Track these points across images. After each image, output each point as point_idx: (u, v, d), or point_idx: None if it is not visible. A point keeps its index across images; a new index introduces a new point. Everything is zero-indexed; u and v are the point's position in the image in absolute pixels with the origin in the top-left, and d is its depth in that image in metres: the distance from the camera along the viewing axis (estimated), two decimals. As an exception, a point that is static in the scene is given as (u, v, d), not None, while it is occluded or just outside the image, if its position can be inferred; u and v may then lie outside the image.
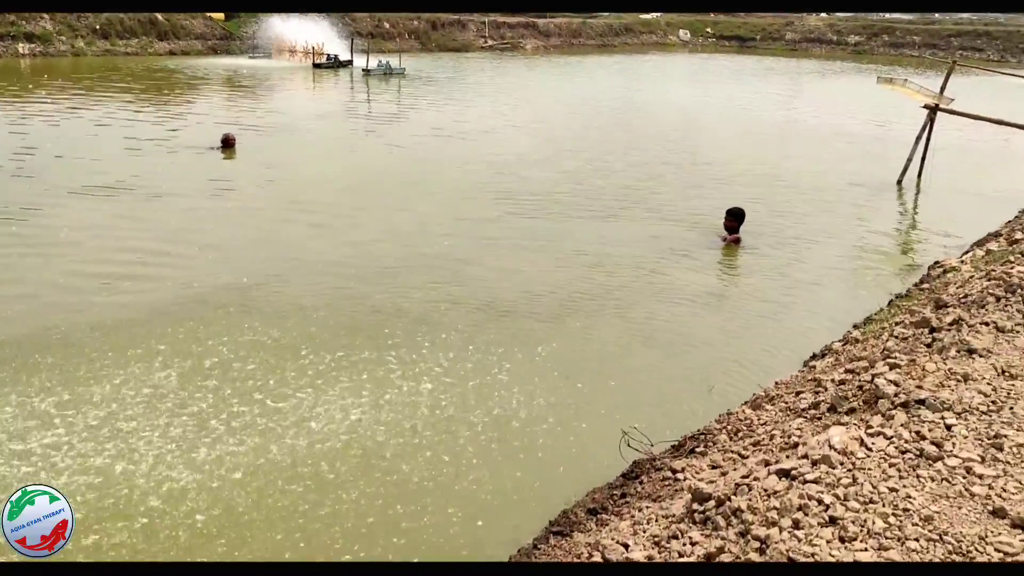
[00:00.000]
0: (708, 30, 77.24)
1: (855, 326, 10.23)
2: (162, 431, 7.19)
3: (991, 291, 7.63)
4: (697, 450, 6.53)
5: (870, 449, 4.57)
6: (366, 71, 36.75)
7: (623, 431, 6.95)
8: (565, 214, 15.43)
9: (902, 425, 4.85)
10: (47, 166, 17.41)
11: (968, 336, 6.26)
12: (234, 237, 13.27)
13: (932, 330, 7.29)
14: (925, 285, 10.90)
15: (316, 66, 38.36)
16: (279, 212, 14.89)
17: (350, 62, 39.07)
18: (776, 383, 7.87)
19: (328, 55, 39.39)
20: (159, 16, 40.16)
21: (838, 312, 11.13)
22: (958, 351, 6.05)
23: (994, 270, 8.77)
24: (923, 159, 19.09)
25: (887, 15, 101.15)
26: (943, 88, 19.03)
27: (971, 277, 9.14)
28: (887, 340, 7.65)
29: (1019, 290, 7.52)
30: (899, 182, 19.06)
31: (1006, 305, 7.31)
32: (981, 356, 5.95)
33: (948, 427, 4.74)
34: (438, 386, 8.33)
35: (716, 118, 29.70)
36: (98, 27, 38.42)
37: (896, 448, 4.54)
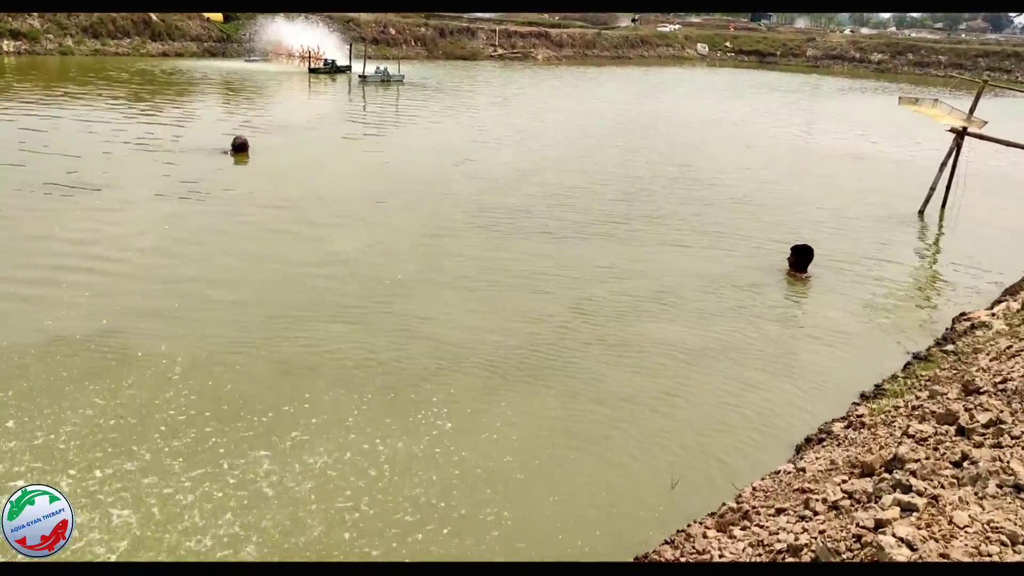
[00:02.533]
0: (727, 44, 75.38)
1: (863, 396, 8.44)
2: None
3: (1038, 378, 5.84)
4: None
5: None
6: (363, 77, 35.25)
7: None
8: (557, 233, 13.71)
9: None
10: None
11: (1012, 461, 4.47)
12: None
13: (961, 431, 5.51)
14: (949, 347, 9.05)
15: (312, 71, 36.93)
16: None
17: (348, 67, 37.60)
18: (753, 489, 6.08)
19: (325, 60, 37.94)
20: (153, 16, 38.88)
21: (845, 369, 9.33)
22: (1000, 486, 4.26)
23: (1039, 342, 6.97)
24: (948, 188, 17.23)
25: (912, 34, 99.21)
26: (972, 109, 17.15)
27: (1008, 347, 7.33)
28: (900, 437, 5.86)
29: (1076, 379, 5.73)
30: (921, 212, 17.20)
31: (1059, 400, 5.52)
32: (1032, 496, 4.17)
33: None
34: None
35: (733, 138, 27.90)
36: (88, 25, 37.16)
37: None
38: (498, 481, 6.64)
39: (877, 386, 8.57)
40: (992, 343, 8.13)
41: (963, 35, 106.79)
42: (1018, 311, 9.70)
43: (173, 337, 8.89)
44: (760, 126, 31.67)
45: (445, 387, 8.20)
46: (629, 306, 10.98)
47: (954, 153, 17.02)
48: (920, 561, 3.72)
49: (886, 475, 5.25)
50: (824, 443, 6.99)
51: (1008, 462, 4.44)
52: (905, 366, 9.04)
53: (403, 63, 40.13)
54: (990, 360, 7.23)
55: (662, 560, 5.18)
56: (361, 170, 18.66)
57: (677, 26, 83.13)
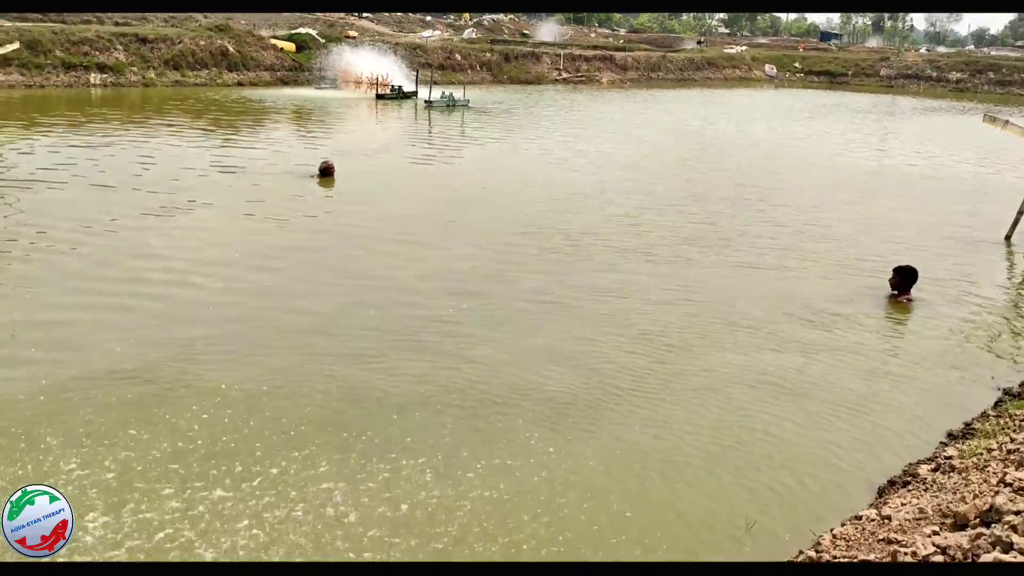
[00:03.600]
0: (796, 65, 74.07)
1: (950, 435, 7.92)
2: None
3: None
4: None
5: None
6: (428, 103, 35.68)
7: None
8: (628, 258, 13.46)
9: None
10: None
11: None
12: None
13: (1066, 481, 5.06)
14: (1046, 385, 8.47)
15: (379, 97, 37.56)
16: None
17: (414, 93, 38.14)
18: (834, 537, 5.69)
19: (392, 86, 38.56)
20: (230, 47, 40.22)
21: (931, 404, 8.80)
22: (1117, 548, 3.85)
23: None
24: (1037, 212, 16.34)
25: (992, 52, 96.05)
26: (1064, 130, 16.31)
27: (1115, 387, 6.78)
28: (996, 484, 5.42)
29: None
30: (1008, 238, 16.34)
31: None
32: None
33: None
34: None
35: (803, 159, 27.23)
36: (170, 58, 38.62)
37: None
38: (599, 507, 6.38)
39: (966, 424, 8.04)
40: (1095, 381, 7.55)
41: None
42: (1122, 345, 9.02)
43: (238, 364, 8.93)
44: (832, 147, 30.85)
45: (520, 416, 8.00)
46: (699, 333, 10.63)
47: (1044, 175, 16.17)
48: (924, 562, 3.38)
49: (983, 529, 4.83)
50: (909, 487, 6.54)
51: None
52: (996, 403, 8.48)
53: (469, 88, 40.51)
54: (1095, 400, 6.69)
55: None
56: (429, 194, 18.71)
57: (744, 47, 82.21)
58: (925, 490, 6.31)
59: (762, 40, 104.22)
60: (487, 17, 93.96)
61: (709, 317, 11.28)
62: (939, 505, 5.48)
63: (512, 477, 6.92)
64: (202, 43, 40.05)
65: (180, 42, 39.40)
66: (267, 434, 7.40)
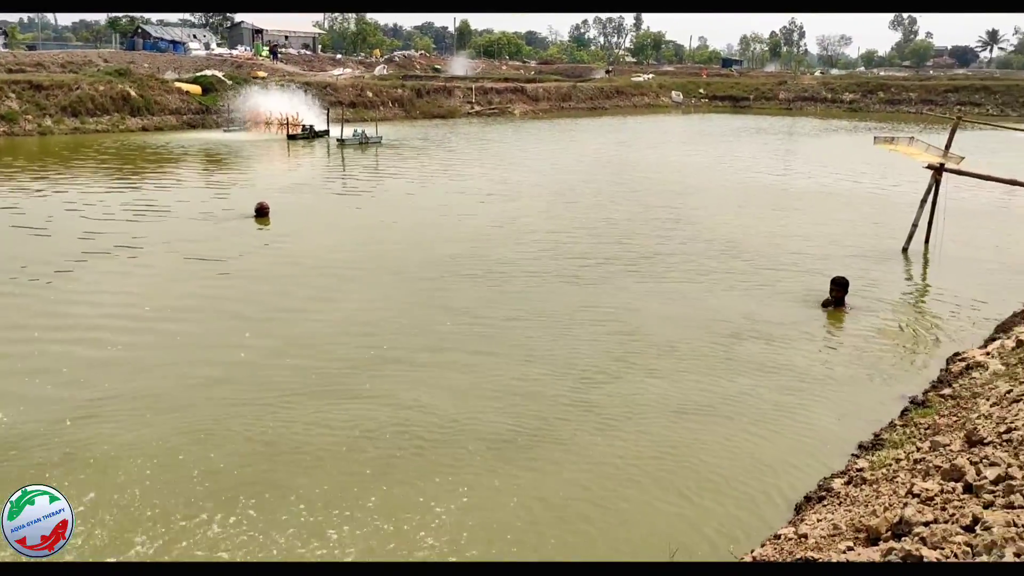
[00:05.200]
0: (700, 91, 76.58)
1: (861, 447, 8.14)
2: None
3: (1044, 425, 5.57)
4: None
5: None
6: (340, 141, 35.37)
7: None
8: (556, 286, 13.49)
9: None
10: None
11: (1021, 522, 4.18)
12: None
13: (968, 488, 5.22)
14: (947, 391, 8.80)
15: (291, 137, 37.04)
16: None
17: (326, 132, 37.76)
18: (754, 559, 5.74)
19: (303, 126, 38.10)
20: (131, 92, 39.06)
21: (840, 417, 9.04)
22: (1017, 555, 3.96)
23: (1039, 385, 6.72)
24: (930, 224, 17.17)
25: (882, 73, 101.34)
26: (948, 145, 17.23)
27: (1009, 391, 7.08)
28: (905, 496, 5.56)
29: (1083, 425, 5.47)
30: (905, 250, 17.10)
31: (1069, 449, 5.24)
32: (1054, 565, 3.87)
33: None
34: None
35: (711, 180, 27.98)
36: (67, 104, 37.22)
37: None
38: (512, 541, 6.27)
39: (876, 435, 8.28)
40: (991, 386, 7.88)
41: (931, 71, 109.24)
42: (1013, 349, 9.48)
43: (145, 422, 8.53)
44: (738, 168, 31.87)
45: (447, 461, 7.88)
46: (624, 359, 10.73)
47: (933, 189, 17.02)
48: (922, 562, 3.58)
49: (894, 542, 4.94)
50: (824, 502, 6.67)
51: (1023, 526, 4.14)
52: (903, 413, 8.77)
53: (381, 124, 40.37)
54: (991, 406, 6.96)
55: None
56: (350, 234, 18.47)
57: (651, 75, 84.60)
58: (839, 504, 6.44)
59: (668, 68, 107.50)
60: (398, 53, 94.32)
61: (633, 342, 11.41)
62: (852, 520, 5.58)
63: (429, 521, 6.78)
64: (101, 88, 38.76)
65: (78, 88, 38.05)
66: (178, 494, 7.07)
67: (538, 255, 16.29)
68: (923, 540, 4.55)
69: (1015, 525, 4.16)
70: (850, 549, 5.16)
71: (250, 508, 6.90)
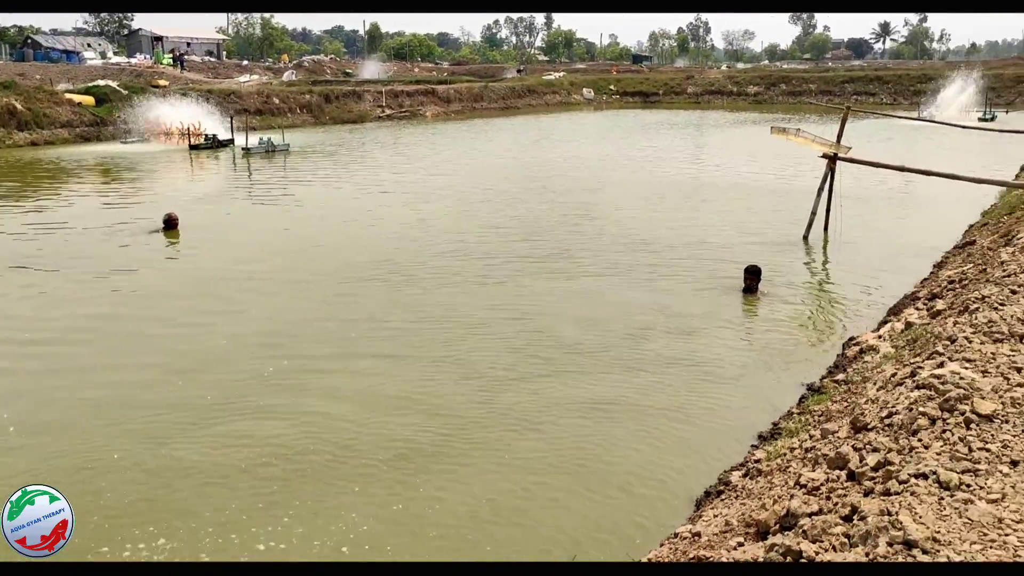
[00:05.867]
0: (611, 87, 77.61)
1: (761, 437, 8.23)
2: None
3: (921, 408, 5.66)
4: None
5: None
6: (246, 150, 34.36)
7: None
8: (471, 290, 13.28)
9: None
10: None
11: (900, 512, 4.19)
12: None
13: (851, 476, 5.26)
14: (840, 376, 8.98)
15: (193, 147, 35.77)
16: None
17: (231, 141, 36.64)
18: (650, 560, 5.68)
19: (206, 135, 36.88)
20: (17, 105, 37.08)
21: (742, 407, 9.14)
22: (890, 544, 3.97)
23: (920, 367, 6.86)
24: (828, 211, 17.67)
25: (784, 66, 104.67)
26: (840, 135, 17.78)
27: (893, 375, 7.22)
28: (792, 487, 5.57)
29: (958, 407, 5.57)
30: (805, 238, 17.56)
31: (943, 432, 5.33)
32: (925, 552, 3.88)
33: None
34: None
35: (622, 176, 28.25)
36: (-53, 120, 35.18)
37: None
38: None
39: (774, 424, 8.38)
40: (879, 370, 8.05)
41: (829, 63, 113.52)
42: (902, 332, 9.75)
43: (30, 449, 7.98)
44: (648, 162, 32.32)
45: (359, 472, 7.62)
46: (528, 355, 10.65)
47: (829, 177, 17.52)
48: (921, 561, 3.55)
49: (781, 536, 4.93)
50: (722, 496, 6.68)
51: (897, 514, 4.15)
52: (800, 400, 8.92)
53: (289, 131, 39.45)
54: (877, 390, 7.09)
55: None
56: (254, 244, 17.86)
57: (562, 73, 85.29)
58: (736, 498, 6.45)
59: (579, 65, 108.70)
60: (307, 58, 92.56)
61: (542, 340, 11.33)
62: (744, 515, 5.57)
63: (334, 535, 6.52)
64: (-16, 102, 36.78)
65: (-42, 102, 36.01)
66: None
67: (447, 257, 16.12)
68: (805, 533, 4.54)
69: (888, 514, 4.17)
70: (740, 545, 5.14)
71: (150, 539, 6.50)
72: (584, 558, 6.29)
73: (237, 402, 9.31)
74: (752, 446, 7.97)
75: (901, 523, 4.04)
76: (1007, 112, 55.63)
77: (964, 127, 22.41)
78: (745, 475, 6.90)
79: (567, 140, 42.33)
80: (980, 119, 47.71)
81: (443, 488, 7.43)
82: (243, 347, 11.17)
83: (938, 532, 3.99)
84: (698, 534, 5.61)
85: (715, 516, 6.08)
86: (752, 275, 13.47)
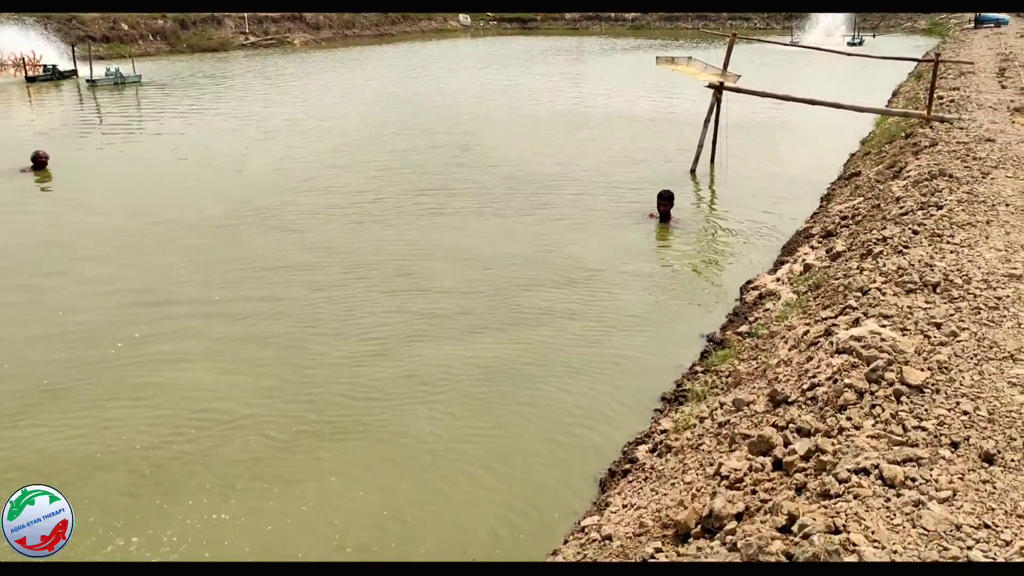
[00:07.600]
0: (489, 13, 75.38)
1: (664, 399, 7.61)
2: None
3: (847, 380, 5.12)
4: None
5: None
6: (92, 82, 31.13)
7: None
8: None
9: None
10: None
11: (850, 527, 3.59)
12: None
13: (778, 465, 4.69)
14: (744, 328, 8.49)
15: (29, 80, 32.12)
16: None
17: (74, 72, 33.12)
18: (554, 553, 5.00)
19: (45, 66, 33.15)
20: None
21: (639, 360, 8.53)
22: (830, 555, 3.36)
23: (835, 325, 6.37)
24: (714, 143, 17.32)
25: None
26: (726, 64, 17.29)
27: (805, 332, 6.73)
28: (712, 477, 4.97)
29: (886, 376, 5.06)
30: (692, 171, 17.16)
31: (873, 407, 4.81)
32: None
33: None
34: None
35: (501, 106, 27.20)
36: None
37: None
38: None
39: (677, 384, 7.79)
40: (785, 322, 7.59)
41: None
42: (801, 274, 9.39)
43: None
44: (528, 93, 31.34)
45: (238, 458, 6.50)
46: (410, 316, 9.70)
47: (715, 108, 17.09)
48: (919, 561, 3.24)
49: (704, 540, 4.32)
50: (629, 477, 6.04)
51: (846, 529, 3.55)
52: (702, 355, 8.36)
53: (141, 61, 36.05)
54: (789, 349, 6.60)
55: None
56: (100, 191, 15.99)
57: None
58: (645, 480, 5.83)
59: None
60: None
61: (428, 296, 10.37)
62: (659, 512, 4.93)
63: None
64: None
65: None
66: None
67: (319, 200, 14.89)
68: (734, 547, 3.91)
69: (836, 531, 3.56)
70: (659, 551, 4.50)
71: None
72: (481, 557, 5.56)
73: (85, 380, 7.99)
74: (656, 410, 7.37)
75: (855, 544, 3.43)
76: (874, 36, 57.49)
77: (839, 52, 22.38)
78: (653, 450, 6.29)
79: (448, 70, 40.66)
80: (849, 43, 48.99)
81: (340, 478, 6.48)
82: (95, 310, 9.71)
83: (895, 552, 3.41)
84: (609, 537, 4.94)
85: (625, 507, 5.43)
86: (666, 200, 13.05)
